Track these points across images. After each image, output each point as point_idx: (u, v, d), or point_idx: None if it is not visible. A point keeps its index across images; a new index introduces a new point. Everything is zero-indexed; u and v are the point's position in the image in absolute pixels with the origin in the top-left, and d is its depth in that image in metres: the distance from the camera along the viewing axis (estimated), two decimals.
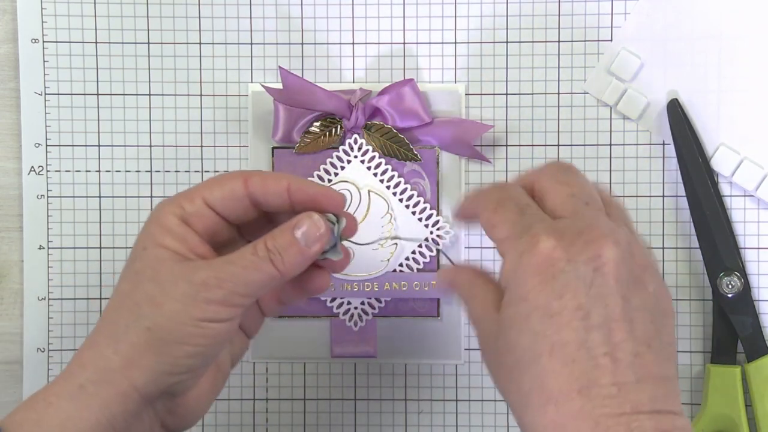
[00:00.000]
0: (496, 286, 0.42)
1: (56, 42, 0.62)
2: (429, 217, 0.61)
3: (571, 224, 0.40)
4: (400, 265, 0.61)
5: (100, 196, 0.62)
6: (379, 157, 0.60)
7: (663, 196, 0.61)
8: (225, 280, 0.43)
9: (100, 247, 0.62)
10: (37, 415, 0.43)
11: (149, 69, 0.62)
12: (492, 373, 0.41)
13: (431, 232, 0.61)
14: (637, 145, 0.61)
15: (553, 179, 0.43)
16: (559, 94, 0.61)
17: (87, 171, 0.62)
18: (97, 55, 0.62)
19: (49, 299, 0.62)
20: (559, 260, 0.39)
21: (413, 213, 0.61)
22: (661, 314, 0.40)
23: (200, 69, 0.62)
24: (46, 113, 0.62)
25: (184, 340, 0.43)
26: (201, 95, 0.62)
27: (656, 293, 0.40)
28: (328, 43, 0.62)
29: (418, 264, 0.61)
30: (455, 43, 0.61)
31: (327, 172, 0.61)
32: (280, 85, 0.60)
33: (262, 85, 0.61)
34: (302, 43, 0.62)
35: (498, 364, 0.41)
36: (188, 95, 0.62)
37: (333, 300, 0.61)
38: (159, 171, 0.62)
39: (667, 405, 0.38)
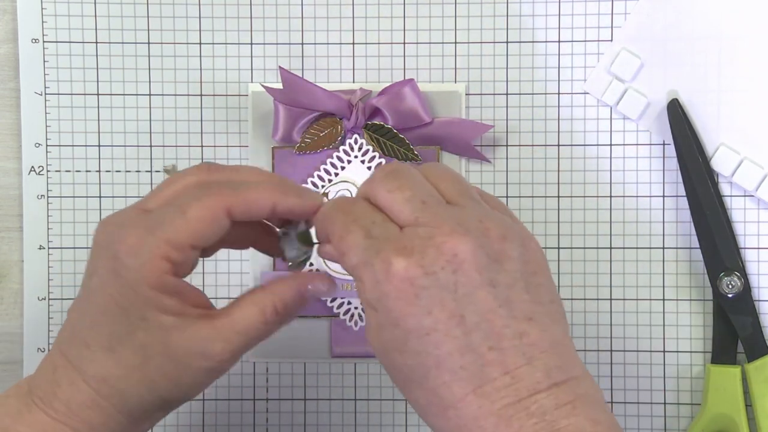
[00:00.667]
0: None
1: (56, 42, 0.62)
2: None
3: (416, 233, 0.38)
4: None
5: (100, 196, 0.62)
6: (379, 157, 0.60)
7: (663, 196, 0.61)
8: (237, 351, 0.43)
9: None
10: None
11: (149, 69, 0.62)
12: (393, 382, 0.41)
13: None
14: (637, 145, 0.61)
15: (383, 189, 0.40)
16: (559, 94, 0.61)
17: (87, 171, 0.62)
18: (97, 55, 0.62)
19: (49, 299, 0.62)
20: (416, 278, 0.37)
21: None
22: (532, 276, 0.39)
23: (200, 69, 0.62)
24: (46, 113, 0.62)
25: (196, 395, 0.45)
26: (201, 95, 0.62)
27: (522, 257, 0.39)
28: (328, 43, 0.62)
29: None
30: (455, 43, 0.61)
31: (327, 172, 0.61)
32: (280, 85, 0.60)
33: (262, 85, 0.61)
34: (302, 43, 0.62)
35: (392, 377, 0.40)
36: (188, 95, 0.62)
37: (333, 300, 0.61)
38: (159, 171, 0.62)
39: (564, 373, 0.38)
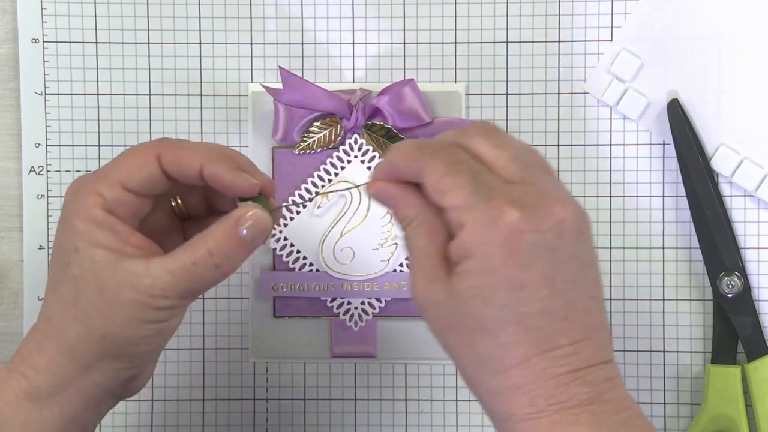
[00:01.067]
0: (444, 236, 0.40)
1: (56, 42, 0.62)
2: None
3: (527, 191, 0.39)
4: (401, 265, 0.61)
5: None
6: (379, 157, 0.60)
7: (663, 196, 0.61)
8: (168, 290, 0.43)
9: None
10: None
11: (149, 69, 0.62)
12: (438, 334, 0.41)
13: None
14: (637, 145, 0.61)
15: (488, 143, 0.40)
16: (559, 94, 0.61)
17: (87, 171, 0.62)
18: (97, 55, 0.62)
19: None
20: (525, 232, 0.38)
21: None
22: (596, 262, 0.41)
23: (200, 69, 0.62)
24: (46, 113, 0.62)
25: (139, 341, 0.44)
26: (201, 95, 0.62)
27: (591, 240, 0.41)
28: (328, 43, 0.62)
29: None
30: (455, 43, 0.61)
31: (327, 172, 0.61)
32: (280, 85, 0.60)
33: (262, 85, 0.61)
34: (302, 43, 0.62)
35: (448, 328, 0.40)
36: (188, 95, 0.62)
37: (333, 300, 0.61)
38: None
39: (609, 354, 0.40)
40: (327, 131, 0.60)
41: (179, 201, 0.49)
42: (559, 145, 0.61)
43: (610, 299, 0.61)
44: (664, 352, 0.61)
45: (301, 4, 0.61)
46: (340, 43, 0.61)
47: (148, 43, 0.62)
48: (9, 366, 0.45)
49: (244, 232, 0.44)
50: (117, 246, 0.43)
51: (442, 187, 0.39)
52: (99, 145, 0.62)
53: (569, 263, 0.39)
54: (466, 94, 0.61)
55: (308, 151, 0.60)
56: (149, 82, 0.62)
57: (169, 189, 0.46)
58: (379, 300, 0.61)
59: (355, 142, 0.60)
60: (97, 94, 0.62)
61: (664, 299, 0.61)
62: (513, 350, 0.38)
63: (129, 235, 0.44)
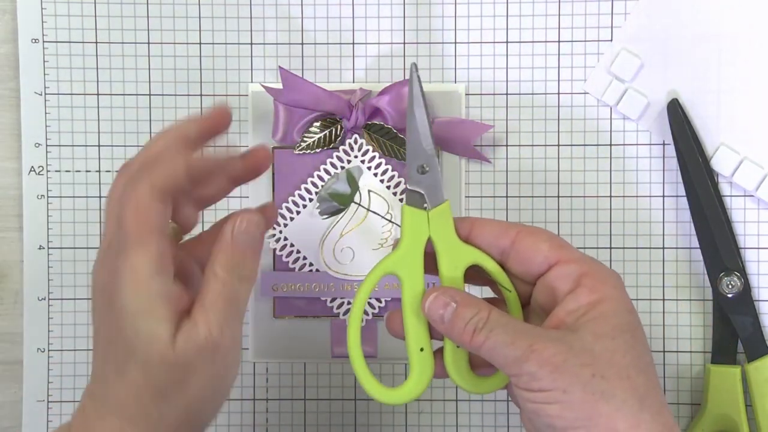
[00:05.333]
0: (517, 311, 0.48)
1: (56, 42, 0.62)
2: None
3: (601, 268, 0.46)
4: None
5: (100, 196, 0.62)
6: (379, 157, 0.60)
7: (663, 196, 0.61)
8: (223, 321, 0.43)
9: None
10: None
11: (149, 69, 0.62)
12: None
13: None
14: (637, 145, 0.61)
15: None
16: (559, 94, 0.61)
17: (87, 171, 0.62)
18: (97, 55, 0.62)
19: (49, 299, 0.62)
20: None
21: None
22: None
23: (200, 69, 0.62)
24: (46, 113, 0.62)
25: (203, 399, 0.45)
26: (201, 95, 0.62)
27: None
28: (328, 43, 0.62)
29: None
30: (455, 43, 0.61)
31: (327, 172, 0.61)
32: (280, 85, 0.60)
33: (262, 85, 0.61)
34: (302, 43, 0.62)
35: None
36: (188, 95, 0.62)
37: (333, 300, 0.61)
38: None
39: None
40: (327, 131, 0.60)
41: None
42: (559, 145, 0.61)
43: None
44: (664, 352, 0.61)
45: (301, 4, 0.61)
46: (340, 43, 0.61)
47: (148, 43, 0.62)
48: None
49: (242, 239, 0.44)
50: (174, 318, 0.42)
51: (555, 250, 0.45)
52: (99, 145, 0.62)
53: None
54: (466, 94, 0.61)
55: (308, 151, 0.60)
56: (149, 82, 0.62)
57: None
58: (379, 300, 0.61)
59: (355, 142, 0.60)
60: (97, 94, 0.62)
61: (664, 299, 0.61)
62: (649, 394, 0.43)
63: (179, 298, 0.43)
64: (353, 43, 0.61)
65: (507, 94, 0.61)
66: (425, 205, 0.48)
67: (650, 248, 0.61)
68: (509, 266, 0.47)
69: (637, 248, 0.61)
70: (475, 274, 0.48)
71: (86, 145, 0.62)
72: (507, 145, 0.61)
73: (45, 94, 0.62)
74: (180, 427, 0.43)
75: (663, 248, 0.61)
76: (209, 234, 0.48)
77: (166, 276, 0.42)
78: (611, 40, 0.60)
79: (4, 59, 0.62)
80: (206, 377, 0.43)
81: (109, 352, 0.43)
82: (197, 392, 0.43)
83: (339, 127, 0.60)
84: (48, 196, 0.62)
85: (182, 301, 0.43)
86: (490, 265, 0.47)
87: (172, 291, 0.43)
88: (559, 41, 0.61)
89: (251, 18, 0.62)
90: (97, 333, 0.44)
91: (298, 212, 0.61)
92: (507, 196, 0.61)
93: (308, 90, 0.59)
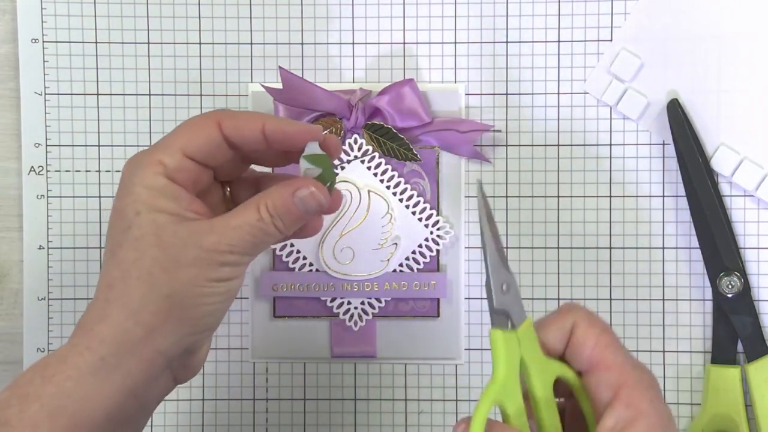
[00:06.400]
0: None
1: (56, 42, 0.62)
2: (429, 217, 0.61)
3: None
4: (400, 265, 0.61)
5: (100, 196, 0.62)
6: (379, 157, 0.60)
7: (663, 196, 0.61)
8: (234, 245, 0.44)
9: (100, 247, 0.62)
10: (56, 388, 0.43)
11: (149, 69, 0.62)
12: None
13: (431, 232, 0.61)
14: (637, 145, 0.61)
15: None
16: (559, 94, 0.61)
17: (87, 171, 0.62)
18: (97, 55, 0.62)
19: (49, 299, 0.62)
20: None
21: (413, 213, 0.61)
22: None
23: (200, 69, 0.62)
24: (46, 113, 0.62)
25: (203, 301, 0.45)
26: (201, 95, 0.62)
27: None
28: (328, 43, 0.62)
29: (418, 264, 0.61)
30: (455, 43, 0.61)
31: None
32: (280, 85, 0.60)
33: (262, 85, 0.61)
34: (302, 43, 0.62)
35: None
36: (188, 95, 0.62)
37: (333, 300, 0.61)
38: None
39: None
40: (327, 131, 0.60)
41: (229, 191, 0.50)
42: (559, 145, 0.61)
43: (610, 299, 0.61)
44: (664, 352, 0.61)
45: (301, 4, 0.61)
46: (340, 43, 0.61)
47: (148, 43, 0.62)
48: (71, 342, 0.44)
49: (298, 200, 0.45)
50: (178, 210, 0.44)
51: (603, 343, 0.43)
52: (99, 145, 0.62)
53: None
54: (466, 94, 0.61)
55: None
56: (149, 82, 0.62)
57: (229, 161, 0.47)
58: (379, 300, 0.61)
59: (355, 142, 0.60)
60: (97, 94, 0.62)
61: (664, 299, 0.61)
62: None
63: (190, 203, 0.45)
64: (353, 43, 0.61)
65: (507, 94, 0.61)
66: (510, 324, 0.43)
67: (650, 248, 0.61)
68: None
69: (637, 248, 0.61)
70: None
71: (86, 145, 0.62)
72: (507, 145, 0.61)
73: (45, 94, 0.62)
74: (164, 318, 0.44)
75: (663, 248, 0.61)
76: (276, 178, 0.50)
77: (177, 184, 0.45)
78: (611, 40, 0.60)
79: (4, 59, 0.62)
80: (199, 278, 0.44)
81: (109, 240, 0.45)
82: (185, 287, 0.44)
83: (339, 127, 0.60)
84: (48, 196, 0.62)
85: (193, 206, 0.45)
86: (573, 379, 0.44)
87: (183, 194, 0.45)
88: (559, 41, 0.61)
89: (251, 18, 0.62)
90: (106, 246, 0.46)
91: None
92: (507, 196, 0.61)
93: (308, 90, 0.59)
